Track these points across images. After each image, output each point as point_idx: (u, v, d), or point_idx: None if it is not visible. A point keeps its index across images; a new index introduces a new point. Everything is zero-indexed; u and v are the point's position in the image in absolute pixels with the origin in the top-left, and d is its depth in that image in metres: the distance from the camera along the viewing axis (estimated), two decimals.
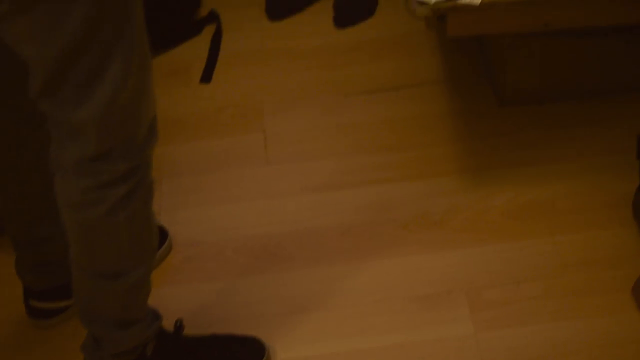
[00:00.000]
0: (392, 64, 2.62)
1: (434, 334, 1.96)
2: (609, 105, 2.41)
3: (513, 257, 2.09)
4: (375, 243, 2.15)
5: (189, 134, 2.47)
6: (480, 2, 1.95)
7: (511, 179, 2.25)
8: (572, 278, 2.03)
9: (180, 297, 2.08)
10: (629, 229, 2.11)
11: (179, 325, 1.85)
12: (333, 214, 2.22)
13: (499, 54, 2.41)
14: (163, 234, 2.13)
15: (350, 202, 2.24)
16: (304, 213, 2.23)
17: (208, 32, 2.77)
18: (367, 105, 2.49)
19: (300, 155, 2.37)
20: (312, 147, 2.39)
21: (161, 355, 1.80)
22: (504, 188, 2.23)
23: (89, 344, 1.76)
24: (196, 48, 2.73)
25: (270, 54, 2.70)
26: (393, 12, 2.78)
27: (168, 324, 1.83)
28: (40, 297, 2.00)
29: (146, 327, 1.75)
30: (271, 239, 2.18)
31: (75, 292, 1.73)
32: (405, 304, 2.02)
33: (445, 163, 2.31)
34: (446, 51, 2.64)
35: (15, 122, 1.70)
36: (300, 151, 2.38)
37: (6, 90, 1.64)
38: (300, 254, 2.15)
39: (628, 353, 1.89)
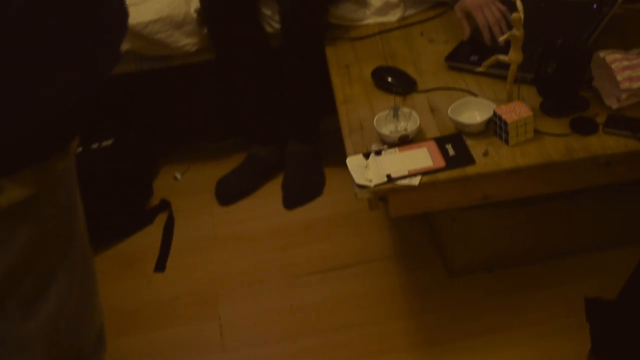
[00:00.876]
0: (342, 242, 2.66)
1: None
2: (555, 269, 2.46)
3: None
4: None
5: (145, 324, 2.46)
6: (419, 182, 2.00)
7: (464, 351, 2.26)
8: None
9: None
10: None
11: None
12: None
13: (444, 226, 2.47)
14: None
15: None
16: None
17: (160, 220, 2.82)
18: (319, 284, 2.52)
19: (256, 340, 2.37)
20: (267, 331, 2.39)
21: None
22: None
23: None
24: (149, 237, 2.77)
25: (222, 239, 2.73)
26: (341, 190, 2.85)
27: None
28: None
29: None
30: None
31: None
32: None
33: (400, 338, 2.32)
34: (395, 226, 2.69)
35: None
36: (255, 336, 2.39)
37: None
38: None
39: None
